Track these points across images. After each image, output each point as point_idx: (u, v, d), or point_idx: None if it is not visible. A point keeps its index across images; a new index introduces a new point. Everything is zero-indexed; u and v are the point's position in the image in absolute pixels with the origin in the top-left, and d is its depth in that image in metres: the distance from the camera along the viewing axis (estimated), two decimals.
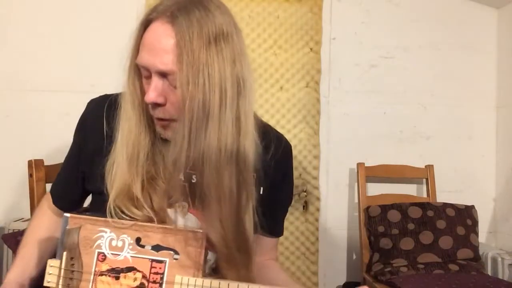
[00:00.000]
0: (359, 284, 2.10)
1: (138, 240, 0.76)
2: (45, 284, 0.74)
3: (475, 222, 1.97)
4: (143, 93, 0.82)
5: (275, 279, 0.94)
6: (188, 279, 0.75)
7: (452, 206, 1.97)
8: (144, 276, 0.75)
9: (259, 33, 2.21)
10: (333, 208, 2.25)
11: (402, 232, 1.89)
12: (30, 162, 1.13)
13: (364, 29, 2.28)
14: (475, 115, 2.34)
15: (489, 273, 2.03)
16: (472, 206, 2.01)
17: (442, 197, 2.16)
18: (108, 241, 0.76)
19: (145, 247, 0.76)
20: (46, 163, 1.17)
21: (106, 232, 0.77)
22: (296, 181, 2.21)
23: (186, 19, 0.75)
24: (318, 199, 2.22)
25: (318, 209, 2.22)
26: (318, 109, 2.23)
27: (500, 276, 1.99)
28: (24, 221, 1.95)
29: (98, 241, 0.76)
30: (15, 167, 1.91)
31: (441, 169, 2.22)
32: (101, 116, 0.89)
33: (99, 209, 0.83)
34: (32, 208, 1.12)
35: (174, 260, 0.75)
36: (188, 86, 0.74)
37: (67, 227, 0.76)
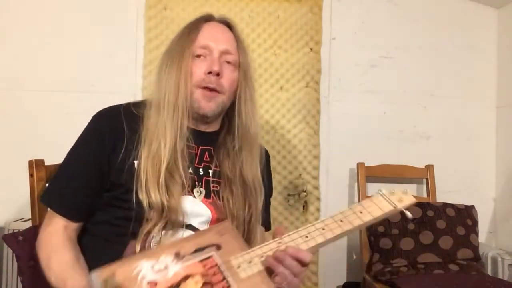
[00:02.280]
0: (359, 284, 2.10)
1: (177, 254, 0.77)
2: None
3: (475, 222, 1.97)
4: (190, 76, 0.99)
5: None
6: (243, 254, 0.79)
7: (452, 206, 1.97)
8: (203, 275, 0.75)
9: (259, 33, 2.21)
10: (333, 208, 2.22)
11: (402, 232, 1.89)
12: (30, 162, 1.13)
13: (364, 29, 2.28)
14: (475, 115, 2.34)
15: (489, 273, 2.03)
16: (472, 206, 2.01)
17: (442, 197, 2.16)
18: (150, 268, 0.75)
19: (187, 256, 0.77)
20: (46, 163, 1.17)
21: (143, 264, 0.75)
22: (296, 181, 2.21)
23: (235, 25, 1.05)
24: (318, 199, 2.22)
25: (318, 209, 2.22)
26: (318, 109, 2.23)
27: (500, 276, 1.99)
28: (24, 221, 1.95)
29: (141, 274, 0.74)
30: (15, 167, 1.90)
31: (441, 169, 2.22)
32: (120, 122, 0.98)
33: (116, 201, 0.94)
34: (33, 208, 1.12)
35: (220, 251, 0.79)
36: (246, 68, 1.03)
37: (99, 283, 0.73)
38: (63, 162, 1.01)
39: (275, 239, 0.82)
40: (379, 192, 0.92)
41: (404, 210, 0.89)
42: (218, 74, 0.98)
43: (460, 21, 2.34)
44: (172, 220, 0.91)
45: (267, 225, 1.14)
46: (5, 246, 1.77)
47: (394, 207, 0.88)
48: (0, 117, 2.11)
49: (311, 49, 2.23)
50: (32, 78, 2.13)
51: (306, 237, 0.81)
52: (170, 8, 2.14)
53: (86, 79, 2.14)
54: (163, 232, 0.91)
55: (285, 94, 2.21)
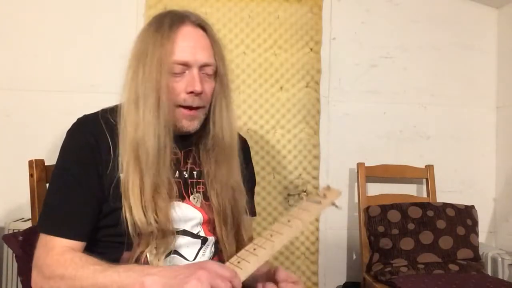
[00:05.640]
0: (359, 284, 2.10)
1: None
2: None
3: (475, 222, 1.97)
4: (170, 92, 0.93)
5: None
6: None
7: (452, 206, 1.97)
8: None
9: (259, 33, 2.21)
10: (333, 208, 2.24)
11: (402, 232, 1.89)
12: (30, 162, 1.13)
13: (364, 29, 2.28)
14: (475, 115, 2.34)
15: (489, 273, 2.03)
16: (472, 206, 2.01)
17: (442, 197, 2.16)
18: None
19: None
20: (46, 163, 1.17)
21: None
22: (296, 181, 2.21)
23: (208, 26, 0.98)
24: None
25: None
26: (318, 109, 2.23)
27: (500, 276, 2.00)
28: (24, 221, 1.95)
29: None
30: (15, 167, 1.91)
31: (441, 169, 2.22)
32: (103, 134, 0.94)
33: (115, 225, 0.91)
34: (33, 208, 1.12)
35: None
36: (223, 74, 0.98)
37: None
38: (54, 183, 0.95)
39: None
40: (304, 198, 0.96)
41: (333, 204, 0.95)
42: (199, 94, 0.95)
43: (460, 21, 2.33)
44: (162, 240, 0.90)
45: (252, 213, 1.14)
46: (5, 246, 1.78)
47: (319, 203, 0.91)
48: (0, 117, 2.11)
49: (311, 49, 2.23)
50: (32, 78, 2.13)
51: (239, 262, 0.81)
52: (170, 8, 2.13)
53: (86, 79, 2.14)
54: (155, 252, 0.90)
55: (285, 94, 2.21)
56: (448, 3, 2.33)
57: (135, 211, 0.88)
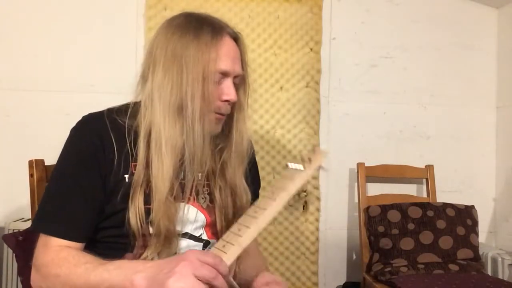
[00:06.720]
0: (359, 284, 2.10)
1: None
2: None
3: (475, 222, 1.97)
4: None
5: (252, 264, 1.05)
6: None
7: (452, 206, 1.98)
8: None
9: (259, 33, 2.21)
10: (333, 208, 2.25)
11: (402, 232, 1.89)
12: (30, 162, 1.13)
13: (364, 29, 2.28)
14: (475, 115, 2.34)
15: (489, 273, 2.03)
16: (472, 206, 2.01)
17: (442, 197, 2.16)
18: None
19: None
20: (46, 163, 1.17)
21: None
22: None
23: (241, 37, 1.02)
24: (318, 199, 2.22)
25: (318, 209, 2.22)
26: (318, 109, 2.23)
27: (500, 276, 2.00)
28: (24, 221, 1.96)
29: None
30: (15, 167, 1.91)
31: (441, 169, 2.22)
32: (108, 134, 0.93)
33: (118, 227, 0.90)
34: (33, 208, 1.12)
35: None
36: (247, 83, 1.03)
37: None
38: (54, 182, 0.94)
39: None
40: (288, 165, 0.94)
41: (320, 167, 0.95)
42: (234, 102, 0.98)
43: (460, 21, 2.34)
44: (165, 242, 0.90)
45: None
46: (5, 246, 1.78)
47: (303, 169, 0.90)
48: (0, 117, 2.11)
49: (311, 49, 2.23)
50: (32, 78, 2.13)
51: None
52: (170, 8, 2.14)
53: (86, 79, 2.14)
54: (157, 255, 0.90)
55: (285, 94, 2.21)
56: (448, 3, 2.33)
57: (141, 213, 0.88)
